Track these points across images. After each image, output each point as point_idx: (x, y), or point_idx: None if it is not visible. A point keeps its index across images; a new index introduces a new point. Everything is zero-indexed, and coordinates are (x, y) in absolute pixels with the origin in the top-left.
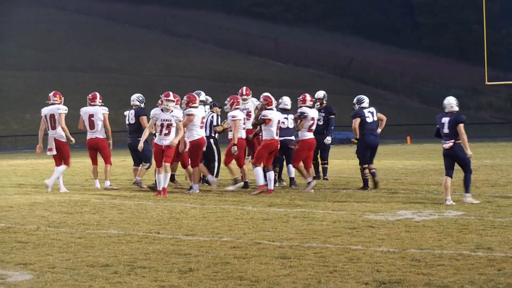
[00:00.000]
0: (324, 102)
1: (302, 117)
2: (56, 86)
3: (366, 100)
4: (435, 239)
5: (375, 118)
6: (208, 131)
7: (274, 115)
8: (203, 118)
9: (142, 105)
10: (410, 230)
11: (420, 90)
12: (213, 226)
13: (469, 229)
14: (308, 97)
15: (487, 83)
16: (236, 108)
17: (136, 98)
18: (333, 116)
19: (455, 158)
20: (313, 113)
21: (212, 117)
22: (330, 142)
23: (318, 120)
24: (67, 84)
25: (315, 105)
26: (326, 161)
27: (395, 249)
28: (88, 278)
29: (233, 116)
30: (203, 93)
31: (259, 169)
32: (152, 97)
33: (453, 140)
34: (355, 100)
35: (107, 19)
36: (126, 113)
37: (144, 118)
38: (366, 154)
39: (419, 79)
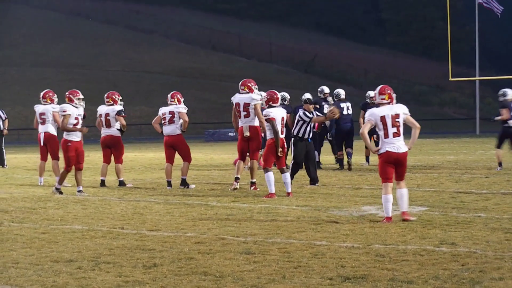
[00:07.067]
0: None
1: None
2: (19, 81)
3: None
4: (399, 234)
5: None
6: (306, 133)
7: (277, 112)
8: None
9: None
10: (375, 226)
11: None
12: (177, 221)
13: (433, 224)
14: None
15: (451, 79)
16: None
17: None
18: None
19: None
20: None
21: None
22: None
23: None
24: (30, 79)
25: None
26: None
27: (359, 245)
28: (52, 273)
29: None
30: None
31: (271, 174)
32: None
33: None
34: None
35: (71, 15)
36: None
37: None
38: None
39: (383, 76)
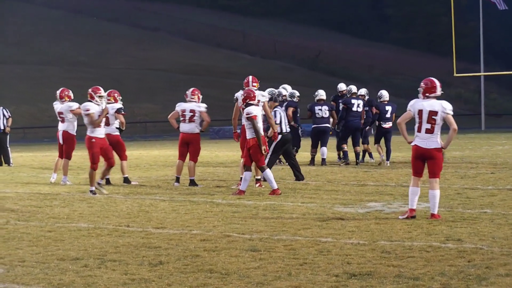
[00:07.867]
0: (366, 97)
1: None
2: (24, 80)
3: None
4: (405, 231)
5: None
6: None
7: (258, 110)
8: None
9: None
10: (380, 222)
11: (390, 83)
12: (182, 219)
13: (438, 220)
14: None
15: (455, 75)
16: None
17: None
18: (367, 109)
19: (388, 135)
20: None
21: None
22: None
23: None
24: (35, 77)
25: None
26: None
27: (365, 241)
28: (58, 271)
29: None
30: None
31: (269, 171)
32: (121, 90)
33: (391, 122)
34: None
35: (75, 13)
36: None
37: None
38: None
39: (388, 72)
